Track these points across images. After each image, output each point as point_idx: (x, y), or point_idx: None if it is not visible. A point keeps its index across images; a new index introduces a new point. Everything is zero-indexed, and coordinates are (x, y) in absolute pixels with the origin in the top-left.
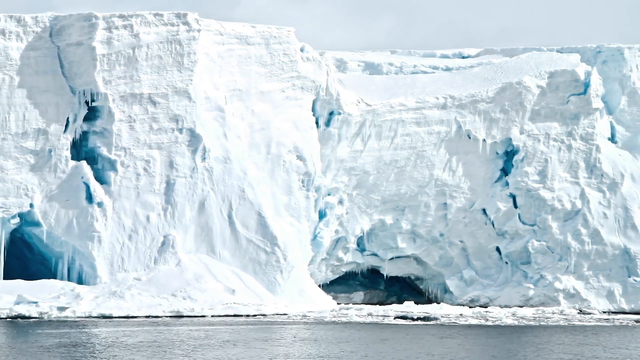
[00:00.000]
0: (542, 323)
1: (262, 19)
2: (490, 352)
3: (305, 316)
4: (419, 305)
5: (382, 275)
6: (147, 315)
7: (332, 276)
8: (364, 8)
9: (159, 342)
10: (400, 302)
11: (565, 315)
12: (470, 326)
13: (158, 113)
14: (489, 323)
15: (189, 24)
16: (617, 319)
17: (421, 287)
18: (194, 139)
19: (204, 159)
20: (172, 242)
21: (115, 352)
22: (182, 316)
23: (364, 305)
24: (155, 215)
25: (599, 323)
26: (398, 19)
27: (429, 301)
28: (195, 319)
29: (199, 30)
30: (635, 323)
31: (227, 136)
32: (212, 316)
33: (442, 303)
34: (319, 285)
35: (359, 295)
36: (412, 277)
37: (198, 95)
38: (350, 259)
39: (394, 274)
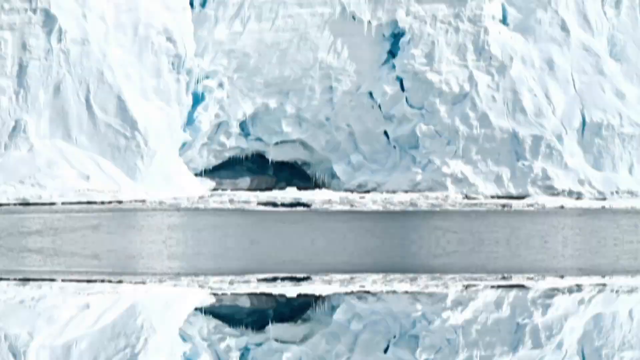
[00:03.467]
0: (407, 208)
1: None
2: (307, 235)
3: (162, 203)
4: (302, 191)
5: (270, 161)
6: None
7: (214, 162)
8: None
9: None
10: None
11: (445, 200)
12: (330, 212)
13: None
14: (354, 209)
15: None
16: (487, 204)
17: (308, 172)
18: (49, 19)
19: (59, 40)
20: (23, 127)
21: None
22: (29, 204)
23: (245, 192)
24: (7, 99)
25: (464, 209)
26: None
27: (317, 187)
28: (43, 206)
29: None
30: (501, 208)
31: (86, 17)
32: (62, 203)
33: (324, 189)
34: (202, 171)
35: (245, 181)
36: (300, 163)
37: None
38: (234, 144)
39: (280, 159)
